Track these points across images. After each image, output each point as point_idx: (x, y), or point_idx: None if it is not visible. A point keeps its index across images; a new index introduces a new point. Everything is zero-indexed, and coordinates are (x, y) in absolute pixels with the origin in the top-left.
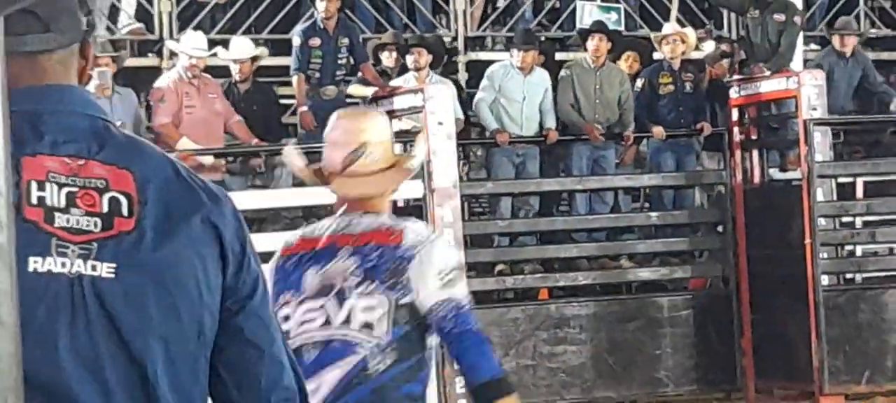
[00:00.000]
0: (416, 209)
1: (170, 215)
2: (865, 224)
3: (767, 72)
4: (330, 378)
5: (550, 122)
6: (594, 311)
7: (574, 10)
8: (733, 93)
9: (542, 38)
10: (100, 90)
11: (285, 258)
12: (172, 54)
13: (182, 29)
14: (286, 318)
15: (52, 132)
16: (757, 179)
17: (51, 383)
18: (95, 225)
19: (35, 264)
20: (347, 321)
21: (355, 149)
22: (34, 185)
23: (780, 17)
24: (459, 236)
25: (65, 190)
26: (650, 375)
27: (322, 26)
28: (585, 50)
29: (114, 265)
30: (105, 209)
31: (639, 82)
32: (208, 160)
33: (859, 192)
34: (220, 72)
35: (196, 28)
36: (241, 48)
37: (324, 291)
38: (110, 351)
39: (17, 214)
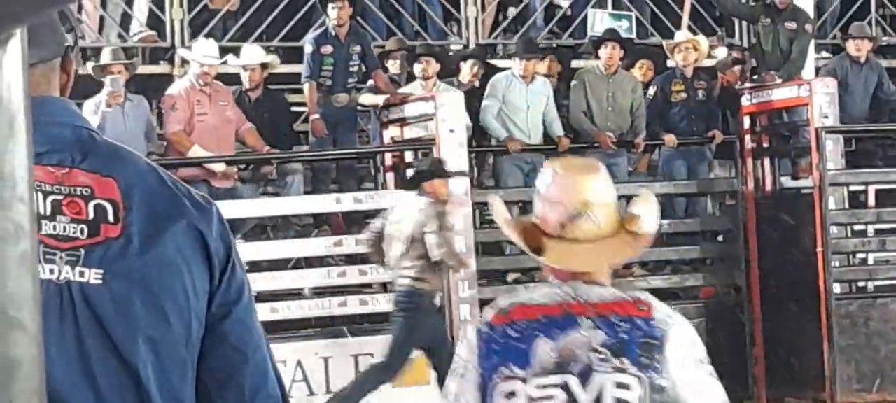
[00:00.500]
0: None
1: (155, 221)
2: (877, 232)
3: (779, 80)
4: None
5: (557, 130)
6: None
7: (586, 17)
8: (745, 100)
9: (555, 46)
10: (112, 97)
11: (503, 326)
12: (184, 62)
13: (194, 36)
14: (512, 395)
15: (35, 142)
16: (768, 187)
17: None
18: (82, 231)
19: None
20: (598, 401)
21: (576, 211)
22: None
23: (792, 24)
24: (471, 244)
25: (50, 198)
26: None
27: (334, 34)
28: (598, 58)
29: (101, 271)
30: (91, 216)
31: (651, 90)
32: (220, 167)
33: (871, 200)
34: (232, 79)
35: (208, 36)
36: (251, 55)
37: (562, 367)
38: (101, 356)
39: None
